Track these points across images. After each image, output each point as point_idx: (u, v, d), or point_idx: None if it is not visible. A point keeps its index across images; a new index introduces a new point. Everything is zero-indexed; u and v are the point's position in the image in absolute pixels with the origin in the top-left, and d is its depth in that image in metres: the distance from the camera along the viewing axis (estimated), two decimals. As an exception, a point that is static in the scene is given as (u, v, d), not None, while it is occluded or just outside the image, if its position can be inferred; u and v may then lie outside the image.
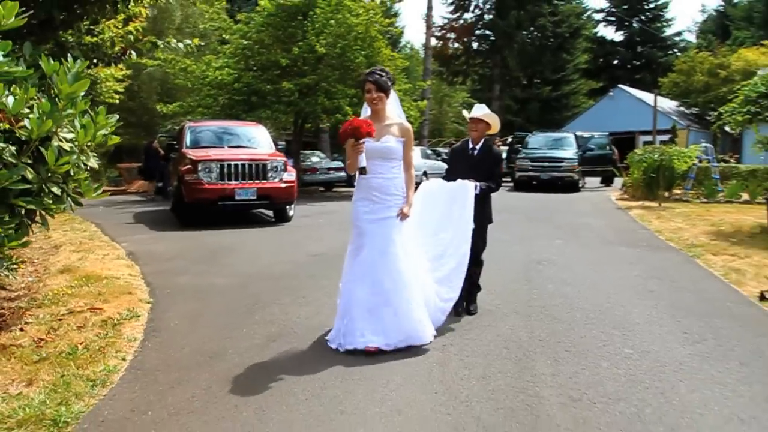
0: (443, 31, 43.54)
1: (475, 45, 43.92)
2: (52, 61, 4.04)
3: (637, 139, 33.55)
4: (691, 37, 66.79)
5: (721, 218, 12.23)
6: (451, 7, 43.72)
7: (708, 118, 28.11)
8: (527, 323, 4.89)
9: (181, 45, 6.99)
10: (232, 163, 10.37)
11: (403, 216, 4.29)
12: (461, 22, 43.54)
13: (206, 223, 10.49)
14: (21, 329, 4.51)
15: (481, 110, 5.13)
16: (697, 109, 35.67)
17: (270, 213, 11.97)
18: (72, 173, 4.29)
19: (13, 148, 3.80)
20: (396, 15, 40.29)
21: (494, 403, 3.37)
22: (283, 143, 16.57)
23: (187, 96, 19.01)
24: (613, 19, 49.80)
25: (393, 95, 4.49)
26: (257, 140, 12.14)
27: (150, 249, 7.95)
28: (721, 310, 5.46)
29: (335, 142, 32.95)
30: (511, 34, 40.51)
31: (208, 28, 20.49)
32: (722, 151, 28.73)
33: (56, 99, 4.03)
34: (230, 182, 10.27)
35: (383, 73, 4.37)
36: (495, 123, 5.14)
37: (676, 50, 48.06)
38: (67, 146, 4.05)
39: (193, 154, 10.70)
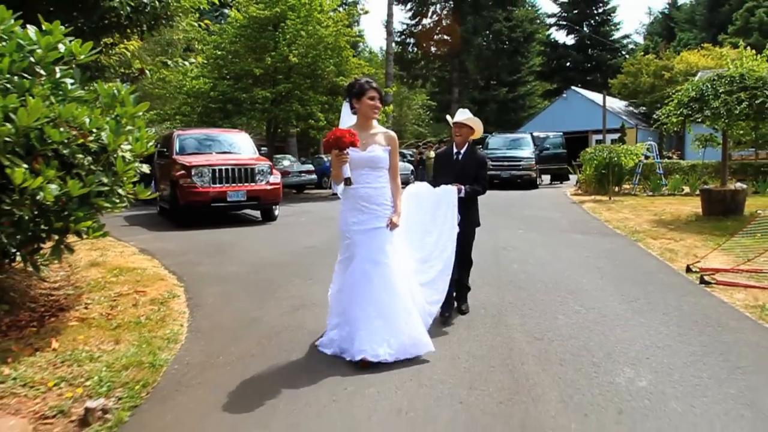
0: (403, 36, 44.84)
1: (433, 49, 45.30)
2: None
3: (590, 138, 35.34)
4: (640, 39, 69.82)
5: (663, 209, 13.69)
6: (410, 13, 45.11)
7: (655, 117, 29.97)
8: (498, 292, 6.02)
9: (187, 63, 7.91)
10: (223, 167, 11.31)
11: (392, 226, 4.26)
12: (420, 27, 44.91)
13: (199, 224, 11.38)
14: (86, 307, 5.45)
15: (464, 115, 5.20)
16: (644, 108, 37.70)
17: (256, 213, 12.89)
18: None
19: (90, 158, 4.76)
20: (357, 22, 41.30)
21: (478, 342, 4.50)
22: (265, 149, 17.45)
23: (164, 104, 19.72)
24: (565, 23, 51.88)
25: None
26: (241, 146, 13.07)
27: (159, 246, 8.83)
28: (654, 280, 6.72)
29: (302, 146, 33.90)
30: (469, 39, 42.04)
31: (181, 39, 21.22)
32: (668, 149, 30.72)
33: (117, 117, 4.98)
34: (222, 185, 11.20)
35: (357, 86, 4.36)
36: (478, 127, 5.22)
37: (624, 53, 50.37)
38: (129, 156, 5.00)
39: (185, 160, 11.57)
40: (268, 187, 11.73)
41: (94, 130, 4.78)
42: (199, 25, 9.91)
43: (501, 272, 7.02)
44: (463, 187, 5.01)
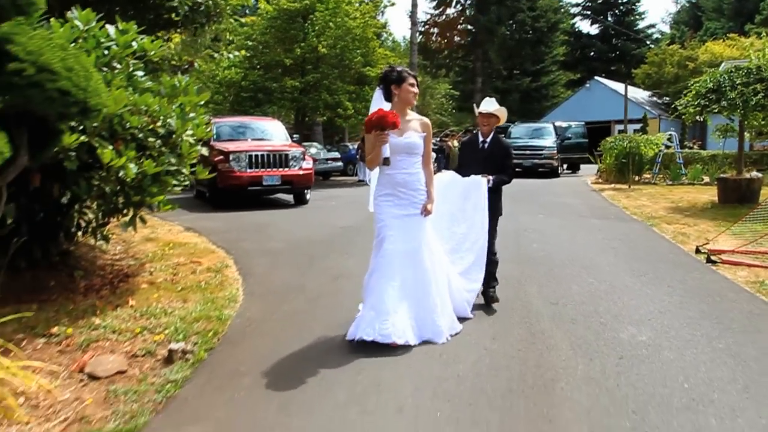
0: (426, 26, 45.15)
1: (457, 39, 45.58)
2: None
3: (612, 127, 35.49)
4: (665, 28, 69.13)
5: (681, 197, 14.12)
6: (434, 3, 45.40)
7: (674, 107, 30.05)
8: (519, 267, 6.60)
9: (231, 56, 8.56)
10: (259, 153, 11.99)
11: (426, 212, 4.36)
12: (444, 17, 45.21)
13: (236, 207, 12.07)
14: (150, 274, 6.15)
15: (492, 105, 5.18)
16: (668, 98, 37.67)
17: (288, 197, 13.56)
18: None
19: (159, 142, 5.42)
20: (382, 12, 41.70)
21: (500, 306, 5.09)
22: (297, 136, 18.10)
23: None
24: (589, 13, 51.72)
25: None
26: (274, 133, 13.75)
27: (203, 225, 9.54)
28: (664, 259, 7.25)
29: (327, 134, 34.56)
30: (492, 29, 42.28)
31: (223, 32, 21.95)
32: (690, 139, 30.81)
33: (181, 105, 5.64)
34: (258, 170, 11.89)
35: (396, 73, 4.42)
36: (504, 115, 5.21)
37: (648, 42, 50.08)
38: (191, 140, 5.66)
39: (223, 146, 12.28)
40: (301, 172, 12.41)
41: (162, 117, 5.46)
42: (235, 20, 10.56)
43: (521, 251, 7.59)
44: (491, 177, 4.99)
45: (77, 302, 5.04)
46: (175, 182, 5.48)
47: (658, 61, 36.86)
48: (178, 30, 7.45)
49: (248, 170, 11.84)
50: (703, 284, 5.98)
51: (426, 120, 4.55)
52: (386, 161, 4.27)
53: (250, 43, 19.53)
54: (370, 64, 18.95)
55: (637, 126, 31.09)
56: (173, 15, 6.71)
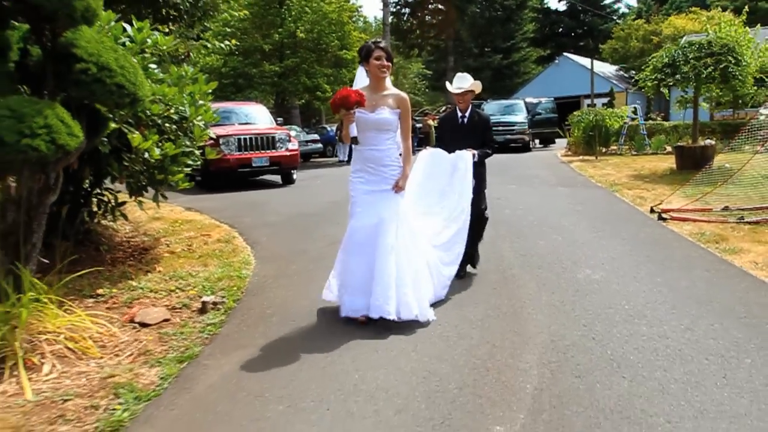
0: (398, 7, 45.58)
1: (428, 18, 46.12)
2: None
3: (581, 102, 36.51)
4: (633, 2, 70.38)
5: (643, 165, 15.12)
6: (405, -17, 45.76)
7: (634, 81, 31.12)
8: (494, 228, 7.39)
9: (223, 45, 9.23)
10: (248, 136, 12.68)
11: (398, 189, 4.33)
12: (415, -3, 45.66)
13: (227, 188, 12.76)
14: (167, 246, 6.90)
15: (466, 81, 5.25)
16: (634, 72, 38.83)
17: (275, 178, 14.26)
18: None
19: (174, 126, 6.14)
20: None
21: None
22: (281, 119, 18.70)
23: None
24: (557, -11, 52.59)
25: None
26: (259, 117, 14.40)
27: (201, 205, 10.24)
28: (621, 218, 8.19)
29: (305, 117, 35.10)
30: (462, 8, 42.95)
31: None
32: (655, 111, 31.98)
33: (192, 94, 6.34)
34: (247, 152, 12.59)
35: (364, 49, 4.42)
36: (478, 87, 5.31)
37: (615, 18, 51.16)
38: (202, 124, 6.38)
39: (212, 130, 12.85)
40: (288, 153, 13.14)
41: (175, 105, 6.16)
42: (230, 14, 11.12)
43: (495, 215, 8.36)
44: (475, 152, 5.08)
45: (111, 271, 5.78)
46: (189, 162, 6.21)
47: (624, 36, 38.00)
48: (176, 23, 8.08)
49: (238, 153, 12.52)
50: (652, 236, 6.91)
51: (403, 95, 4.46)
52: (354, 140, 4.32)
53: (228, 30, 20.01)
54: (346, 47, 19.62)
55: (605, 100, 32.16)
56: (172, 11, 7.36)
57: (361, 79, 4.51)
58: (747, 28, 16.55)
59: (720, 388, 3.05)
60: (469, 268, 5.41)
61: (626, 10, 62.09)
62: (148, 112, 5.68)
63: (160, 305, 4.95)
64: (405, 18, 46.03)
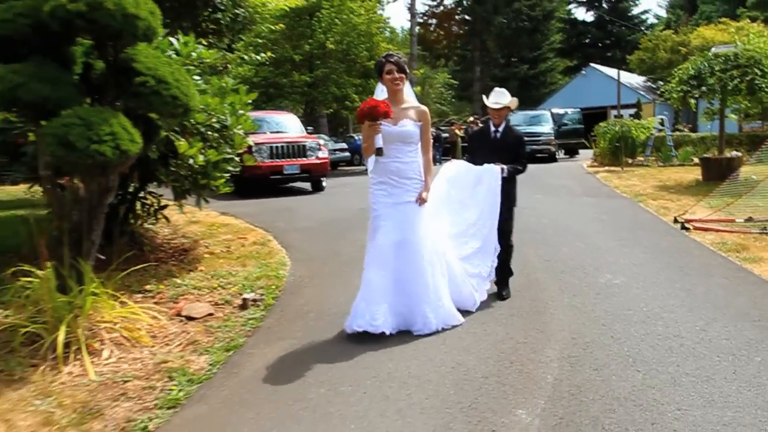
0: (425, 18, 46.05)
1: (455, 29, 46.50)
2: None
3: (608, 113, 36.47)
4: (662, 12, 69.85)
5: (669, 176, 15.18)
6: (432, -6, 46.28)
7: (660, 92, 31.02)
8: (519, 235, 7.50)
9: (258, 57, 9.64)
10: (280, 144, 13.09)
11: (421, 201, 4.32)
12: (441, 8, 46.15)
13: (258, 194, 13.16)
14: (207, 248, 7.27)
15: (504, 97, 5.10)
16: (662, 83, 38.66)
17: (305, 185, 14.65)
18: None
19: (216, 134, 6.51)
20: (383, 7, 42.57)
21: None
22: (311, 128, 19.17)
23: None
24: (584, 0, 52.57)
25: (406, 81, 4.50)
26: (290, 126, 14.83)
27: (236, 210, 10.63)
28: (645, 227, 8.36)
29: (332, 126, 35.61)
30: (489, 19, 43.20)
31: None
32: (684, 122, 31.82)
33: (232, 104, 6.71)
34: (279, 160, 12.99)
35: (400, 56, 4.45)
36: (515, 105, 5.21)
37: (643, 28, 50.92)
38: (241, 133, 6.75)
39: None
40: (318, 161, 13.53)
41: (217, 114, 6.54)
42: (267, 28, 11.55)
43: (520, 223, 8.51)
44: (504, 166, 4.92)
45: (156, 269, 6.15)
46: (229, 168, 6.58)
47: (652, 47, 37.79)
48: (215, 36, 8.50)
49: (270, 160, 12.93)
50: (674, 245, 7.09)
51: (423, 108, 4.50)
52: (379, 151, 4.24)
53: (259, 41, 20.56)
54: (375, 58, 19.95)
55: (632, 111, 32.09)
56: (213, 25, 7.77)
57: (380, 95, 4.49)
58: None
59: (729, 382, 3.28)
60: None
61: (655, 21, 61.80)
62: (192, 120, 6.05)
63: (204, 301, 5.30)
64: (432, 28, 46.46)
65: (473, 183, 4.93)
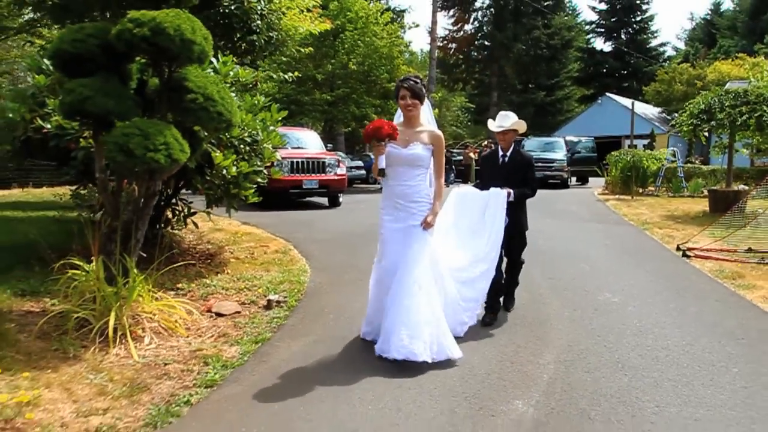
0: (445, 42, 46.84)
1: (474, 54, 47.25)
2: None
3: (622, 142, 36.84)
4: (681, 44, 70.44)
5: (677, 207, 15.52)
6: (453, 20, 47.15)
7: (672, 125, 31.38)
8: (526, 256, 8.08)
9: (286, 77, 10.18)
10: (300, 160, 13.62)
11: (427, 225, 4.25)
12: (462, 33, 46.93)
13: (277, 207, 13.65)
14: (231, 253, 7.74)
15: (508, 120, 5.11)
16: (677, 115, 39.03)
17: (322, 200, 15.15)
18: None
19: (247, 148, 7.01)
20: (404, 31, 43.40)
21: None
22: (331, 145, 19.76)
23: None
24: (602, 31, 53.25)
25: (426, 103, 4.49)
26: (310, 142, 15.37)
27: (256, 221, 11.12)
28: (648, 253, 8.74)
29: (349, 144, 36.26)
30: (508, 45, 43.91)
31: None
32: (696, 155, 32.11)
33: (263, 120, 7.21)
34: (299, 175, 13.50)
35: (417, 80, 4.41)
36: (522, 127, 5.16)
37: (661, 60, 51.43)
38: (270, 147, 7.24)
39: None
40: (336, 177, 14.04)
41: (249, 129, 7.04)
42: (297, 50, 12.05)
43: (529, 246, 9.02)
44: (511, 191, 4.95)
45: (186, 270, 6.62)
46: (258, 179, 7.07)
47: (668, 79, 38.30)
48: (247, 56, 9.05)
49: (290, 175, 13.45)
50: (674, 271, 7.47)
51: (438, 132, 4.46)
52: (381, 172, 4.30)
53: (283, 59, 21.22)
54: (395, 80, 20.58)
55: (646, 141, 32.46)
56: (247, 45, 8.32)
57: (399, 117, 4.53)
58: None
59: (705, 387, 3.68)
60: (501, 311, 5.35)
61: (673, 53, 62.33)
62: (227, 134, 6.56)
63: (232, 300, 5.76)
64: (451, 52, 47.22)
65: (482, 209, 4.93)
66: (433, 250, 4.35)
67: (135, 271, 4.80)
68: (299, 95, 20.59)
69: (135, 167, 4.27)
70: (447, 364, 4.05)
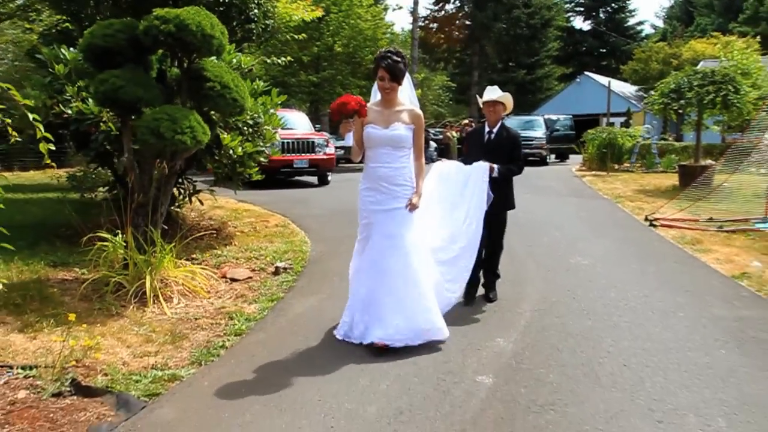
0: (426, 21, 47.16)
1: (455, 34, 47.65)
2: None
3: (601, 120, 37.71)
4: (659, 22, 71.28)
5: (650, 182, 16.36)
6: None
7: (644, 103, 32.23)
8: (508, 228, 8.82)
9: (279, 61, 10.71)
10: (291, 140, 14.17)
11: (412, 207, 4.13)
12: (443, 13, 47.29)
13: (269, 186, 14.20)
14: (234, 227, 8.36)
15: (495, 93, 5.00)
16: (653, 93, 39.90)
17: (312, 180, 15.72)
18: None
19: (250, 130, 7.59)
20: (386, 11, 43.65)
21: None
22: (318, 126, 20.28)
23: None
24: (581, 9, 53.90)
25: (407, 79, 4.24)
26: (299, 123, 15.89)
27: (252, 199, 11.70)
28: (618, 223, 9.52)
29: (334, 124, 36.73)
30: (489, 25, 44.34)
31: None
32: (671, 132, 33.07)
33: (264, 104, 7.78)
34: (290, 155, 14.07)
35: (399, 59, 4.09)
36: (509, 102, 5.04)
37: (638, 39, 52.23)
38: (271, 129, 7.82)
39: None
40: (325, 157, 14.63)
41: (251, 113, 7.62)
42: (291, 37, 12.51)
43: (509, 217, 9.81)
44: (495, 166, 4.82)
45: (197, 243, 7.24)
46: (261, 159, 7.67)
47: (645, 58, 39.03)
48: (245, 43, 9.57)
49: (282, 155, 13.99)
50: (640, 238, 8.24)
51: (417, 111, 4.27)
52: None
53: (275, 43, 21.62)
54: (379, 61, 21.11)
55: (623, 119, 33.34)
56: (245, 33, 8.83)
57: (376, 95, 4.31)
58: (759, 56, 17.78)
59: (655, 326, 4.42)
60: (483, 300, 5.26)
61: (651, 31, 63.17)
62: (234, 118, 7.14)
63: (243, 268, 6.40)
64: (432, 32, 47.57)
65: (463, 182, 4.82)
66: (418, 233, 4.24)
67: (160, 240, 5.42)
68: (286, 77, 21.04)
69: (165, 148, 4.88)
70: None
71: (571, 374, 3.60)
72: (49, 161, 3.57)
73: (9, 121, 3.71)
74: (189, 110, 5.09)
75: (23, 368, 3.59)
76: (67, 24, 9.80)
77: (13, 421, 2.99)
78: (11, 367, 3.61)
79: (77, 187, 8.39)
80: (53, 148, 3.56)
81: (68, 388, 3.37)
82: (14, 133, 3.66)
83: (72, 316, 3.81)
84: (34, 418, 3.04)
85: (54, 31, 10.42)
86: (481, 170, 4.80)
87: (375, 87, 4.27)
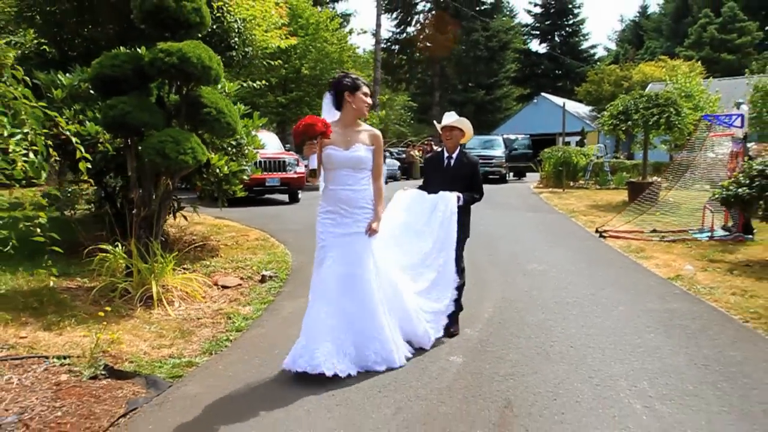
0: (388, 43, 48.40)
1: (417, 55, 48.97)
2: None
3: (557, 139, 39.22)
4: (612, 45, 74.22)
5: (602, 198, 17.45)
6: (396, 22, 48.76)
7: (595, 124, 33.73)
8: (471, 241, 9.59)
9: (255, 85, 11.29)
10: (263, 160, 14.71)
11: (371, 232, 4.06)
12: (404, 35, 48.60)
13: (241, 204, 14.72)
14: (217, 241, 8.92)
15: (451, 117, 4.93)
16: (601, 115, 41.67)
17: (282, 197, 16.30)
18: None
19: (234, 150, 8.20)
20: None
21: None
22: (288, 145, 20.87)
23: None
24: (538, 33, 55.95)
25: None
26: (270, 143, 16.42)
27: (229, 215, 12.18)
28: (571, 235, 10.39)
29: (297, 145, 37.30)
30: (449, 47, 45.76)
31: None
32: (625, 150, 34.66)
33: (246, 126, 8.40)
34: (263, 173, 14.60)
35: (350, 80, 4.11)
36: (468, 129, 4.94)
37: (591, 61, 54.41)
38: (252, 149, 8.44)
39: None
40: (296, 175, 15.24)
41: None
42: (268, 63, 13.06)
43: (472, 231, 10.60)
44: (460, 195, 4.73)
45: (186, 254, 7.77)
46: (244, 177, 8.28)
47: (598, 80, 40.79)
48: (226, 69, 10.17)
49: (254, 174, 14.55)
50: (591, 247, 9.10)
51: (376, 132, 4.24)
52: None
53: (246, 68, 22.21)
54: (345, 84, 21.88)
55: (578, 138, 34.82)
56: (226, 60, 9.44)
57: (328, 110, 4.19)
58: (701, 79, 19.14)
59: (597, 317, 5.20)
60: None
61: (605, 53, 65.80)
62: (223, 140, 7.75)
63: (232, 276, 6.98)
64: (395, 53, 48.80)
65: (429, 211, 4.67)
66: (384, 260, 4.19)
67: (160, 251, 5.98)
68: (255, 98, 21.61)
69: (169, 167, 5.47)
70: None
71: (527, 354, 4.33)
72: (86, 177, 4.14)
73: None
74: (189, 133, 5.71)
75: (58, 358, 4.14)
76: (45, 47, 10.12)
77: (63, 397, 3.55)
78: (47, 357, 4.15)
79: (55, 205, 8.79)
80: (90, 167, 4.14)
81: (103, 372, 3.94)
82: None
83: (101, 313, 4.38)
84: (80, 394, 3.60)
85: (30, 53, 10.75)
86: (449, 202, 4.65)
87: (326, 106, 4.19)
